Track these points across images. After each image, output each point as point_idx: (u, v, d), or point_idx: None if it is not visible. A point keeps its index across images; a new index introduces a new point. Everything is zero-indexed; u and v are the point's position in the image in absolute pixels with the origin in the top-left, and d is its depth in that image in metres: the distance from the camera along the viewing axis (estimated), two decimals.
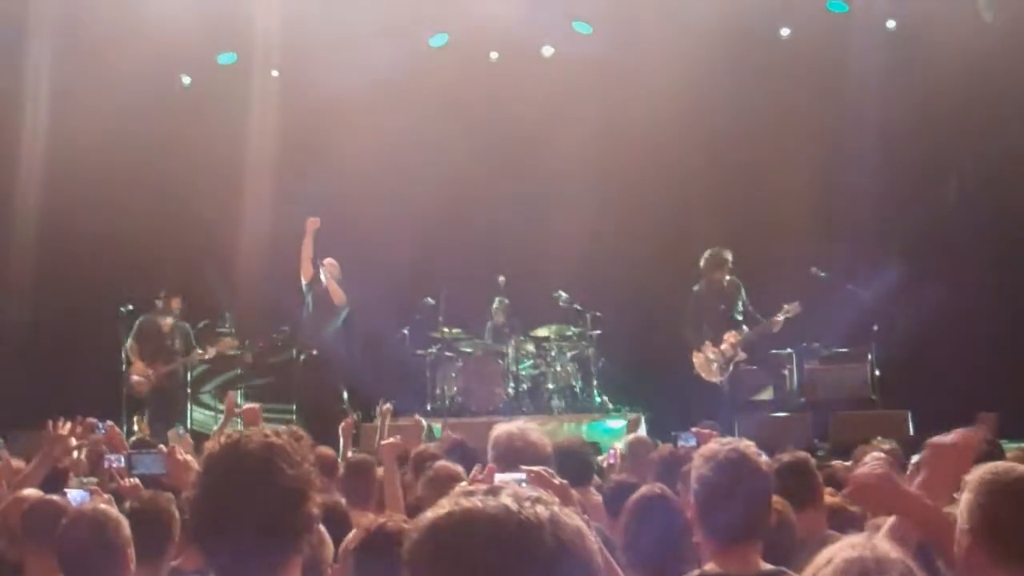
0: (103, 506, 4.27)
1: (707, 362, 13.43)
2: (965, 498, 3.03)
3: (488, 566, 1.70)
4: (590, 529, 1.78)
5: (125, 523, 4.19)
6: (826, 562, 2.30)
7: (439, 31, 16.17)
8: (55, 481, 6.09)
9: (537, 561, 1.69)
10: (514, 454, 4.36)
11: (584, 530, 1.75)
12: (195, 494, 2.80)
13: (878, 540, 2.37)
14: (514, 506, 1.72)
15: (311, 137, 15.70)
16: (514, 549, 1.70)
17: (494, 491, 1.75)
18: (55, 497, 5.12)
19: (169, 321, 14.31)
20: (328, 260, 13.70)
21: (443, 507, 1.78)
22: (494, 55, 16.39)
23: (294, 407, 14.32)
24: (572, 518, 1.75)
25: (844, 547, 2.33)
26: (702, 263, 13.58)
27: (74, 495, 5.02)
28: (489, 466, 4.16)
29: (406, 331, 14.99)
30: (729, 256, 13.53)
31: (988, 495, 2.97)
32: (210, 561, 2.79)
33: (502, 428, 4.63)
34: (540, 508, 1.73)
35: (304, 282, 13.78)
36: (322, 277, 13.57)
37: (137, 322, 14.32)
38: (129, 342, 14.19)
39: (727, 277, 13.54)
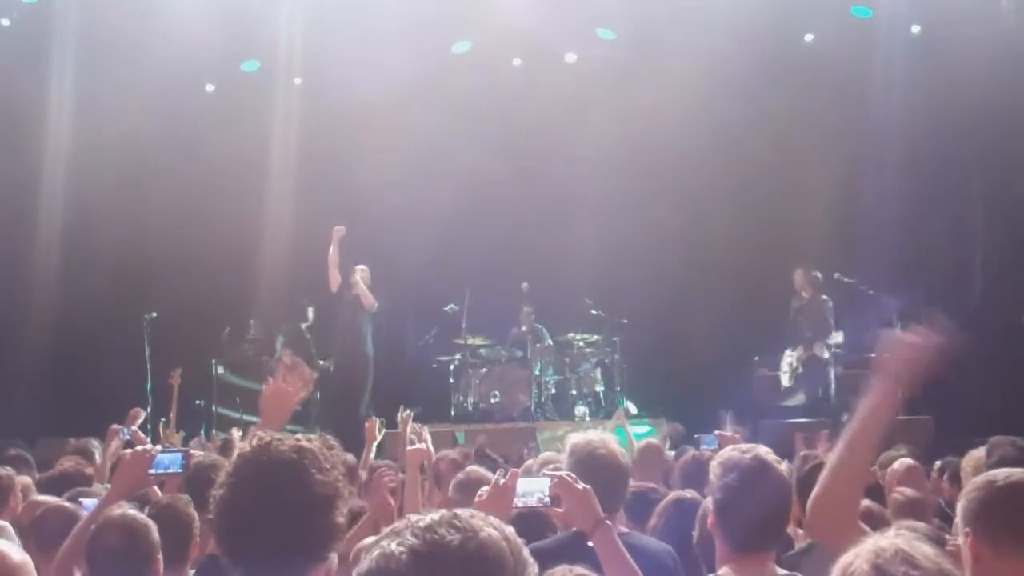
0: (132, 511, 4.23)
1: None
2: (963, 500, 3.23)
3: None
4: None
5: (154, 528, 4.14)
6: (854, 555, 2.30)
7: (462, 38, 16.19)
8: (73, 486, 6.08)
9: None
10: (594, 460, 4.34)
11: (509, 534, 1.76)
12: (222, 494, 2.75)
13: (912, 536, 2.37)
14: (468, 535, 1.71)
15: (334, 144, 15.74)
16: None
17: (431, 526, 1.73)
18: (68, 504, 5.10)
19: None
20: (360, 266, 13.74)
21: (404, 544, 1.71)
22: (517, 61, 16.41)
23: (320, 411, 14.38)
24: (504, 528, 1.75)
25: (871, 540, 2.33)
26: None
27: (89, 504, 4.98)
28: (512, 471, 4.15)
29: (430, 338, 15.04)
30: (807, 272, 13.69)
31: (986, 493, 3.17)
32: (231, 563, 2.73)
33: (581, 436, 4.59)
34: (491, 530, 1.73)
35: (333, 289, 13.80)
36: (352, 280, 13.63)
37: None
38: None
39: (817, 295, 13.64)
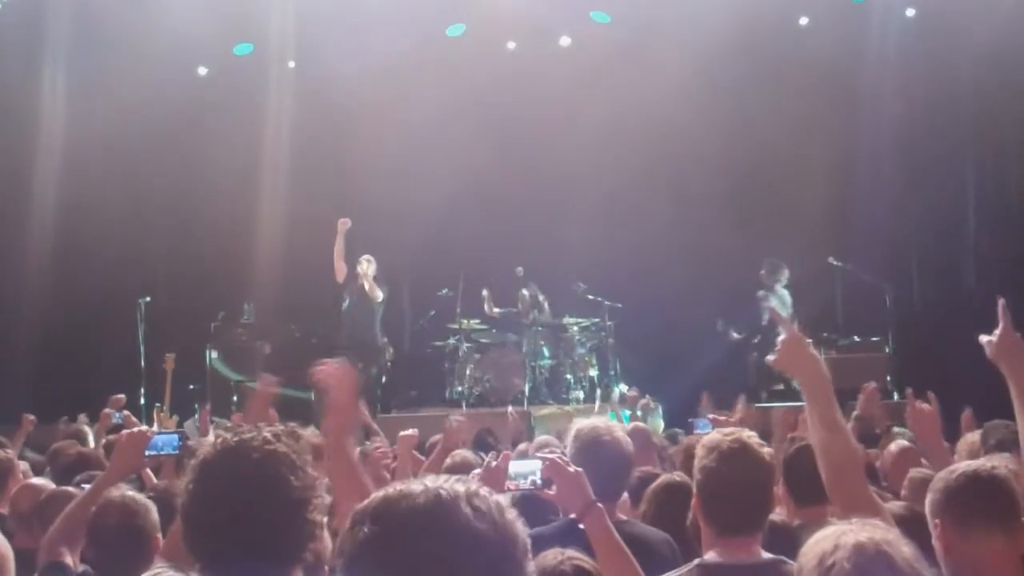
0: (131, 493, 4.26)
1: None
2: (930, 494, 3.50)
3: (411, 535, 1.72)
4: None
5: (154, 509, 4.17)
6: (833, 547, 2.31)
7: (456, 21, 16.13)
8: (71, 471, 6.09)
9: (456, 529, 1.72)
10: (598, 448, 4.35)
11: (502, 504, 1.78)
12: (188, 502, 2.58)
13: (881, 525, 2.40)
14: (432, 485, 1.76)
15: (328, 127, 15.68)
16: (432, 519, 1.72)
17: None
18: (73, 489, 5.12)
19: None
20: (365, 256, 13.71)
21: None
22: (512, 45, 16.36)
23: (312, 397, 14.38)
24: (491, 495, 1.78)
25: (848, 531, 2.34)
26: None
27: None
28: (504, 452, 4.16)
29: (424, 322, 15.03)
30: (767, 266, 13.67)
31: (949, 484, 3.45)
32: (201, 569, 2.56)
33: (587, 422, 4.60)
34: (458, 485, 1.77)
35: (340, 281, 13.77)
36: (358, 271, 13.61)
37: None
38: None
39: (772, 287, 13.67)
